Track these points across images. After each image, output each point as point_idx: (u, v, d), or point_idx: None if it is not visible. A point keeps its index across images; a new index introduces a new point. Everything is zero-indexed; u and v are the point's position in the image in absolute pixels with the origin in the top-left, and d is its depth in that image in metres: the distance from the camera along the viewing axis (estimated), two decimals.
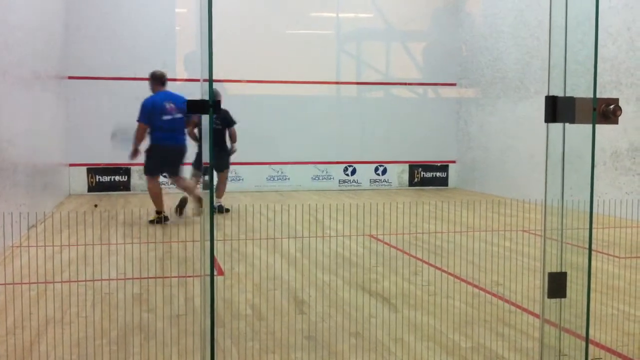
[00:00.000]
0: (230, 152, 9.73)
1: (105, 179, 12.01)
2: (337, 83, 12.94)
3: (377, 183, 13.21)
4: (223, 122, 9.46)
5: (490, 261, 5.99)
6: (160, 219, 8.28)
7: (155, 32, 12.05)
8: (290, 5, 12.70)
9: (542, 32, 10.55)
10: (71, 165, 11.76)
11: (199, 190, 8.60)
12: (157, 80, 8.66)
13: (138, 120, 8.34)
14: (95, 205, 10.01)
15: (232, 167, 12.58)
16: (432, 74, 13.33)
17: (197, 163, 9.02)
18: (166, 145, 8.38)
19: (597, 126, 2.51)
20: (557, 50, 2.58)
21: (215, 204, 9.06)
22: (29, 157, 7.87)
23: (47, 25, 9.60)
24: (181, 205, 8.88)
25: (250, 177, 12.56)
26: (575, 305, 2.66)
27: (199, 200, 8.44)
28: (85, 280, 5.24)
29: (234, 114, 12.26)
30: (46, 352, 3.63)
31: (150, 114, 8.34)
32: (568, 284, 2.65)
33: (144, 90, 11.82)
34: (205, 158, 2.74)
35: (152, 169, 8.52)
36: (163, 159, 8.43)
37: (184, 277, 5.42)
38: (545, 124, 2.61)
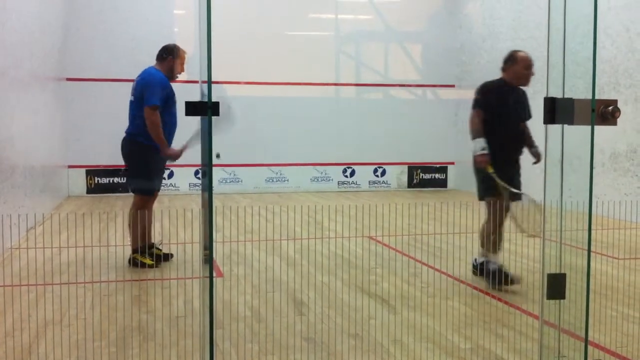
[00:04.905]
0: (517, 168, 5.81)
1: (104, 181, 12.00)
2: (336, 84, 12.94)
3: (376, 184, 13.21)
4: (521, 111, 5.44)
5: None
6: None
7: (153, 34, 12.02)
8: (289, 6, 12.70)
9: (541, 33, 10.55)
10: (70, 167, 11.75)
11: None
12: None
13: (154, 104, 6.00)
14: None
15: (230, 169, 12.57)
16: (430, 75, 13.33)
17: (485, 188, 5.63)
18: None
19: (596, 127, 2.51)
20: (555, 51, 2.58)
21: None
22: (27, 159, 7.86)
23: (45, 27, 9.59)
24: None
25: (249, 179, 12.55)
26: (575, 307, 2.66)
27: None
28: (85, 282, 5.24)
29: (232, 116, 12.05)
30: (45, 354, 3.63)
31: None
32: (567, 285, 2.65)
33: None
34: (204, 160, 2.73)
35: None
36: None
37: (183, 279, 5.41)
38: (543, 126, 2.61)
